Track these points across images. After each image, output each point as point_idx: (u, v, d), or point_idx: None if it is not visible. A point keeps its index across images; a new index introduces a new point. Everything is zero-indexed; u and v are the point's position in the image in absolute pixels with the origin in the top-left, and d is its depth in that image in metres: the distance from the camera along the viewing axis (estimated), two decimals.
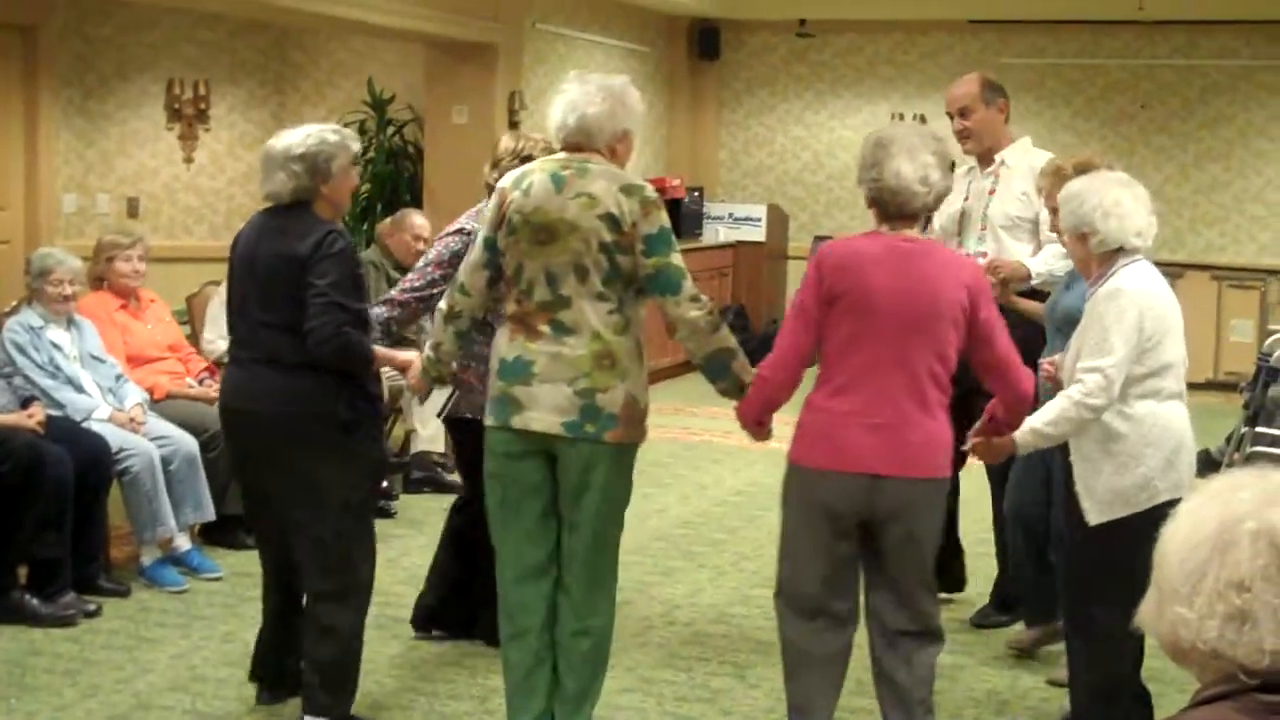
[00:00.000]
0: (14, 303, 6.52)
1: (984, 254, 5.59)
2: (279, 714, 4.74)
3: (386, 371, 4.96)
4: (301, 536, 4.46)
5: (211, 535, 6.49)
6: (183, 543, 6.17)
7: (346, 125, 10.20)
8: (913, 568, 4.08)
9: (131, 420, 6.07)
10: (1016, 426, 4.17)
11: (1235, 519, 1.75)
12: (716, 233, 12.94)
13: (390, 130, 11.04)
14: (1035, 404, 4.23)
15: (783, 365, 4.09)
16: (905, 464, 3.96)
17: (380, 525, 6.91)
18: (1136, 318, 4.06)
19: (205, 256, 9.13)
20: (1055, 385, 4.32)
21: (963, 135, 5.82)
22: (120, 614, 5.66)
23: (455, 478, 7.79)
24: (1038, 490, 5.12)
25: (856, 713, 4.76)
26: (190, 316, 7.62)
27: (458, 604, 5.42)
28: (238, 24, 10.76)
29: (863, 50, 13.28)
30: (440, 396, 5.27)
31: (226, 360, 4.76)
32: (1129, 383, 4.08)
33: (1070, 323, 4.45)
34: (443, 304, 4.45)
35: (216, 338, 6.97)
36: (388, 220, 8.34)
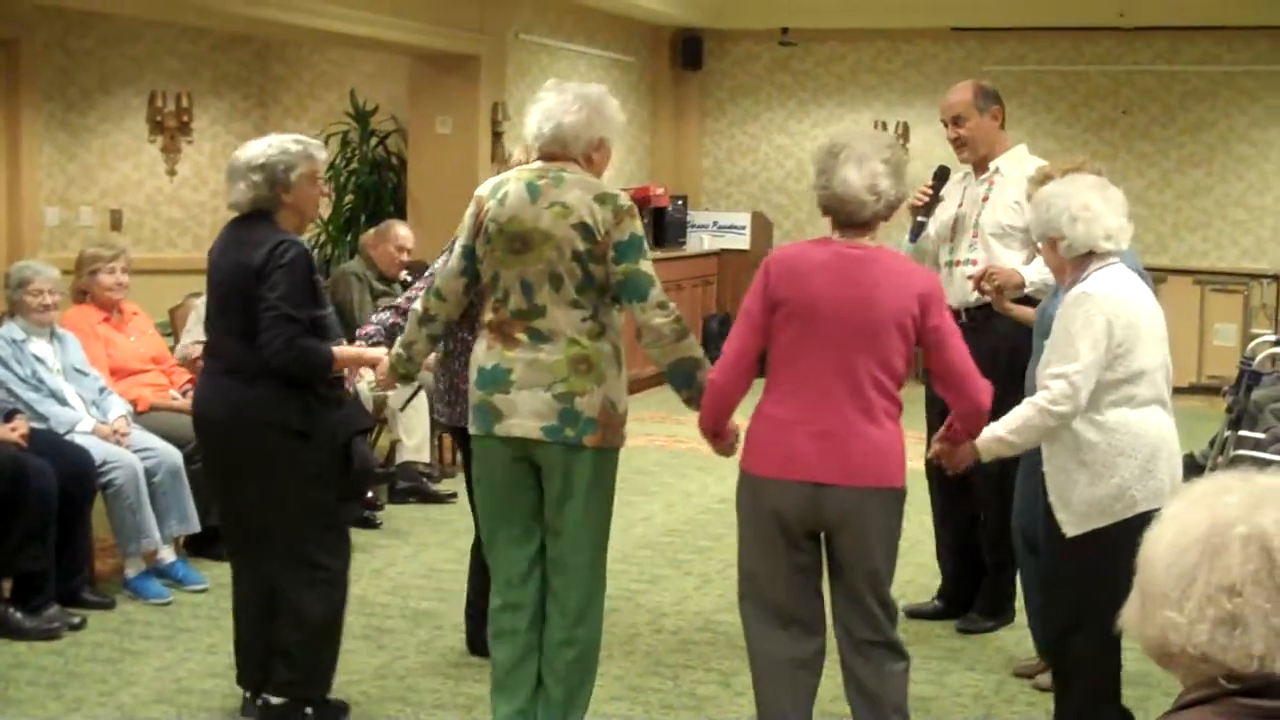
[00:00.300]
0: None
1: (974, 261, 5.58)
2: None
3: (369, 381, 4.97)
4: (267, 540, 4.54)
5: (196, 547, 6.48)
6: (167, 555, 6.15)
7: (329, 137, 10.31)
8: (864, 578, 3.98)
9: (115, 433, 6.06)
10: (974, 435, 4.10)
11: (1225, 523, 1.74)
12: (700, 241, 12.94)
13: (373, 141, 11.04)
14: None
15: (728, 369, 4.05)
16: (849, 473, 3.90)
17: (365, 536, 6.96)
18: (1104, 324, 4.00)
19: (188, 269, 9.09)
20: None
21: (957, 143, 5.77)
22: (105, 626, 5.65)
23: (441, 488, 7.81)
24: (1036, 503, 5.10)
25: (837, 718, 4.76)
26: (173, 329, 7.61)
27: None
28: (220, 37, 10.76)
29: (845, 58, 13.31)
30: (419, 400, 5.25)
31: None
32: (1100, 390, 4.04)
33: None
34: (418, 306, 4.50)
35: (189, 343, 6.98)
36: (371, 231, 8.35)
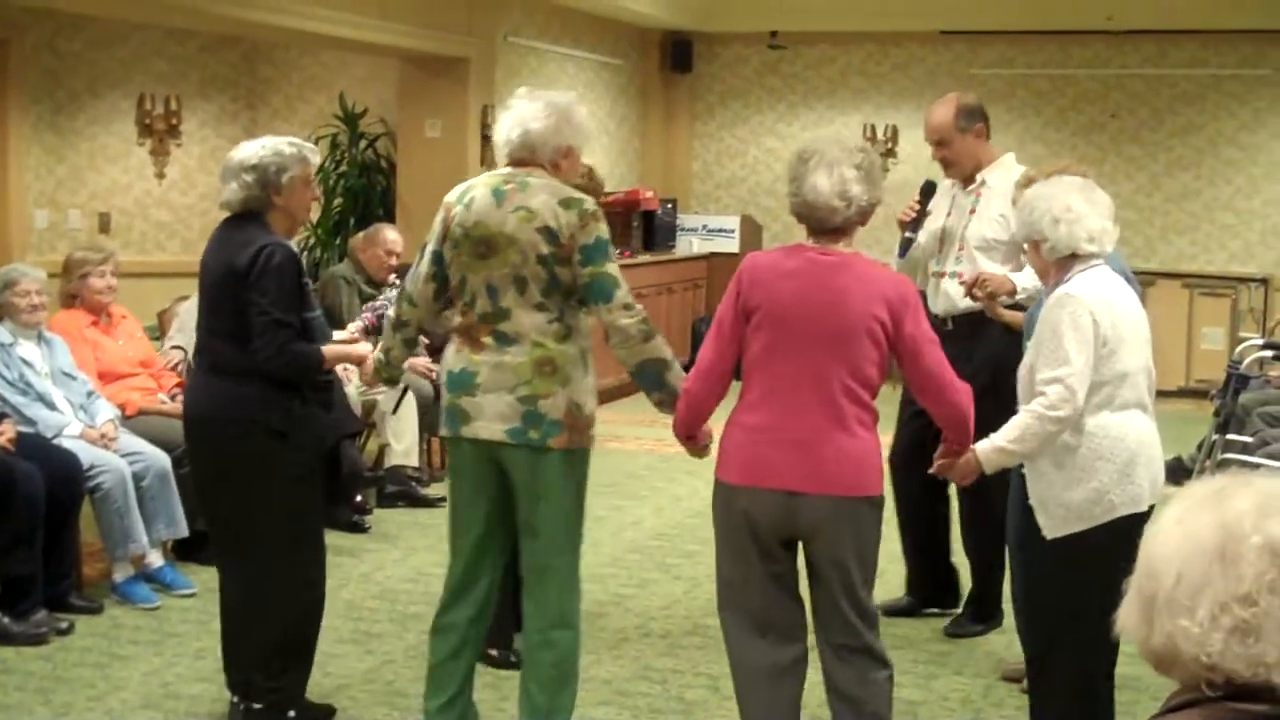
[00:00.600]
0: None
1: (960, 274, 5.58)
2: None
3: (358, 384, 4.99)
4: (249, 541, 4.56)
5: (184, 551, 6.47)
6: (155, 559, 6.14)
7: (318, 140, 10.29)
8: (840, 587, 3.95)
9: (103, 437, 6.05)
10: (963, 444, 4.06)
11: (1239, 533, 1.75)
12: (690, 244, 12.95)
13: (362, 144, 11.03)
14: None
15: (702, 377, 4.05)
16: (821, 481, 3.86)
17: (354, 540, 6.96)
18: (1090, 323, 3.97)
19: (177, 272, 9.11)
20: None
21: (944, 163, 5.78)
22: (92, 631, 5.64)
23: (430, 492, 7.80)
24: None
25: None
26: (161, 332, 7.60)
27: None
28: (208, 39, 10.75)
29: (834, 62, 13.32)
30: (409, 404, 5.27)
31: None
32: None
33: None
34: (391, 312, 4.59)
35: (168, 348, 6.98)
36: (360, 234, 8.34)
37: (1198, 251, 12.41)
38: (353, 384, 7.06)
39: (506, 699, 4.85)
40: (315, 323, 4.57)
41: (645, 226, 12.35)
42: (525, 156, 4.25)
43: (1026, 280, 5.28)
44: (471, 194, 4.26)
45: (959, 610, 5.94)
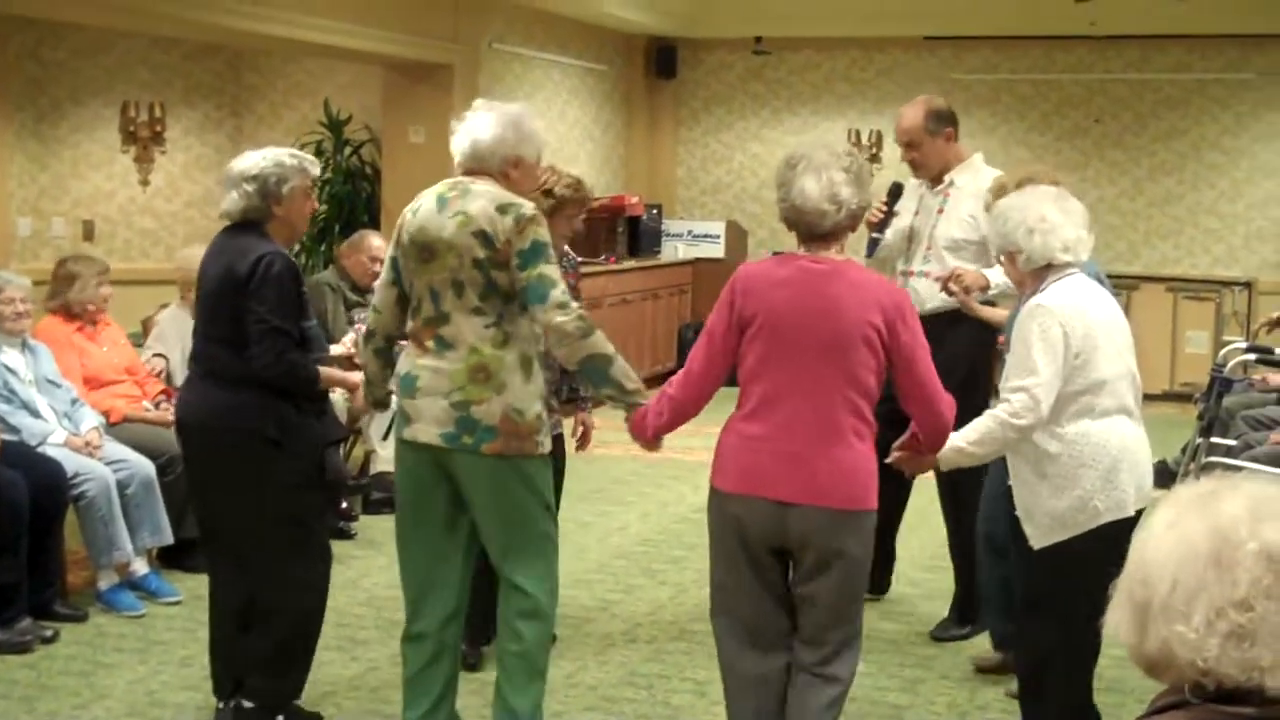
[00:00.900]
0: None
1: (928, 273, 5.63)
2: None
3: (346, 397, 4.99)
4: (245, 547, 4.59)
5: (169, 559, 6.46)
6: (140, 567, 6.13)
7: (303, 146, 10.23)
8: (823, 605, 3.92)
9: (87, 444, 6.03)
10: (935, 449, 4.07)
11: (1234, 538, 1.75)
12: (675, 250, 12.96)
13: (347, 151, 11.03)
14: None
15: (689, 386, 4.04)
16: (815, 493, 3.82)
17: (340, 546, 6.92)
18: (1060, 334, 3.98)
19: (162, 279, 9.08)
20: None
21: (912, 165, 5.87)
22: (77, 639, 5.62)
23: None
24: (1004, 506, 5.11)
25: None
26: (145, 339, 7.58)
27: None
28: (192, 47, 10.73)
29: (819, 67, 13.35)
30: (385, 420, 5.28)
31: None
32: (1060, 402, 4.00)
33: None
34: (363, 326, 4.64)
35: (150, 355, 6.96)
36: (345, 242, 8.32)
37: (1181, 255, 12.45)
38: (338, 391, 7.04)
39: (489, 705, 4.84)
40: (312, 332, 4.63)
41: (630, 232, 12.35)
42: (474, 166, 4.34)
43: (999, 276, 5.32)
44: (420, 202, 4.36)
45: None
